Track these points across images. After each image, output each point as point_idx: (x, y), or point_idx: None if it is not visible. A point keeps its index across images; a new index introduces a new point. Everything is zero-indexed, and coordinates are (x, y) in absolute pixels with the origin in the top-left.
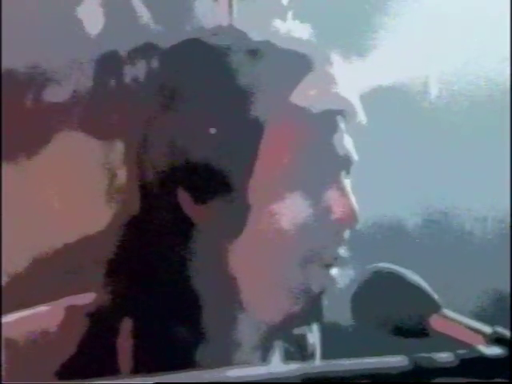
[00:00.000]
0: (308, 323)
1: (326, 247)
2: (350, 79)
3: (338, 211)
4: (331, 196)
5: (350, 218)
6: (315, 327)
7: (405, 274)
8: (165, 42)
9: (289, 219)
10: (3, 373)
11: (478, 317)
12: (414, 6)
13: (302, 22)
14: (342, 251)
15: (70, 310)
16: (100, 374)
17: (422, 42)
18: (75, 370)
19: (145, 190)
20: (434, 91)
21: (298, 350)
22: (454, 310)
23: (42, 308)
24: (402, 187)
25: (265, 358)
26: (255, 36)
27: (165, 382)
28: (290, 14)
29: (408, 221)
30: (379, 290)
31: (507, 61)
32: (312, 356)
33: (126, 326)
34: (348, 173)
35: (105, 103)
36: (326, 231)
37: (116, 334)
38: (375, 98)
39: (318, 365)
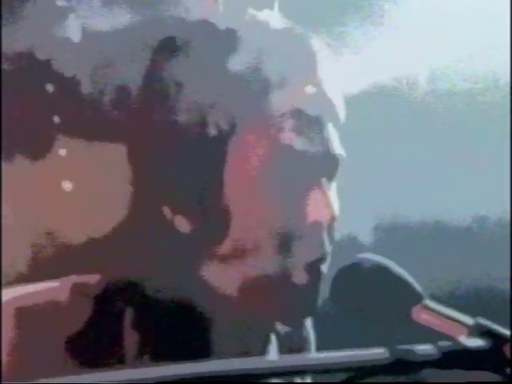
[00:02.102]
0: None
1: (307, 248)
2: (337, 77)
3: (315, 213)
4: (310, 198)
5: (328, 218)
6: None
7: (387, 265)
8: (147, 34)
9: (268, 223)
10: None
11: (478, 315)
12: (413, 4)
13: (292, 18)
14: (326, 249)
15: (77, 285)
16: (105, 347)
17: (418, 38)
18: (81, 339)
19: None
20: (430, 88)
21: (290, 341)
22: (455, 309)
23: (50, 283)
24: (399, 186)
25: (263, 350)
26: (238, 30)
27: (166, 376)
28: (277, 7)
29: (406, 220)
30: (361, 280)
31: (507, 60)
32: (305, 347)
33: (129, 310)
34: (332, 174)
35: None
36: (307, 233)
37: (120, 313)
38: (367, 95)
39: (295, 357)
